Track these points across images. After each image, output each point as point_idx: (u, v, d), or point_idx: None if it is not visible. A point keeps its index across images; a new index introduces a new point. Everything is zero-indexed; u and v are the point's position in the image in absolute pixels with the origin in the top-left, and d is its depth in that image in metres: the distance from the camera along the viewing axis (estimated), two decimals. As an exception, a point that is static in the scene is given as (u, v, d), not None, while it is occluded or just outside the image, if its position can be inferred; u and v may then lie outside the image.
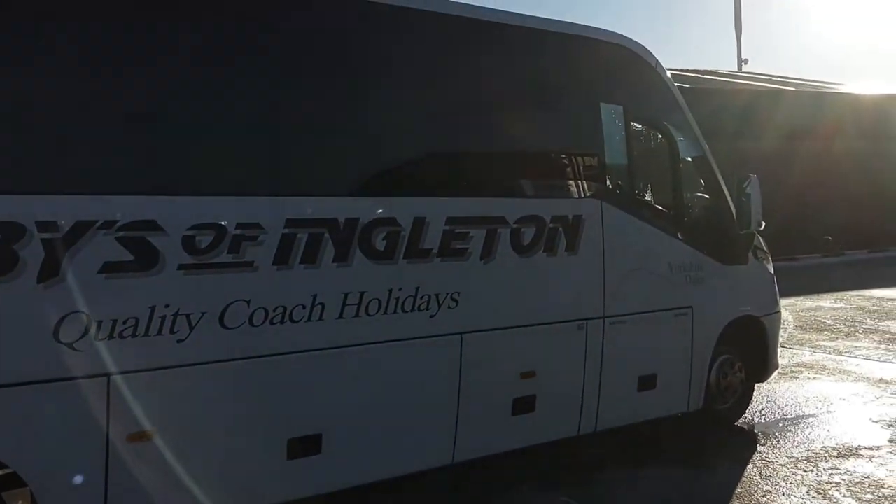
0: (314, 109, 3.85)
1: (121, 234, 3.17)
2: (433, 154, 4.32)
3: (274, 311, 3.53)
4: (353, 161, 4.00)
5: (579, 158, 4.82)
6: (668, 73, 5.46)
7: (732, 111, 14.46)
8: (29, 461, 3.04)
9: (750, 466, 4.95)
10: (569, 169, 4.82)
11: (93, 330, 3.10)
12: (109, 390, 3.15)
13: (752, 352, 5.71)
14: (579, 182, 4.77)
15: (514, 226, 4.32)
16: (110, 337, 3.14)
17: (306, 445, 3.66)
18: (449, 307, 4.07)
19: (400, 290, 3.91)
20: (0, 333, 2.96)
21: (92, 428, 3.13)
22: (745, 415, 5.87)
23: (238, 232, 3.43)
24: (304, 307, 3.62)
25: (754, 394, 5.96)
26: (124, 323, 3.17)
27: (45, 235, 3.02)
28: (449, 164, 4.37)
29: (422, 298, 3.98)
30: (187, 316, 3.31)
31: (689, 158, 5.44)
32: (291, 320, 3.58)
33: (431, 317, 4.02)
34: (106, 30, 3.33)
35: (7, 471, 3.09)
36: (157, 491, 3.29)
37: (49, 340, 3.03)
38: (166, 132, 3.44)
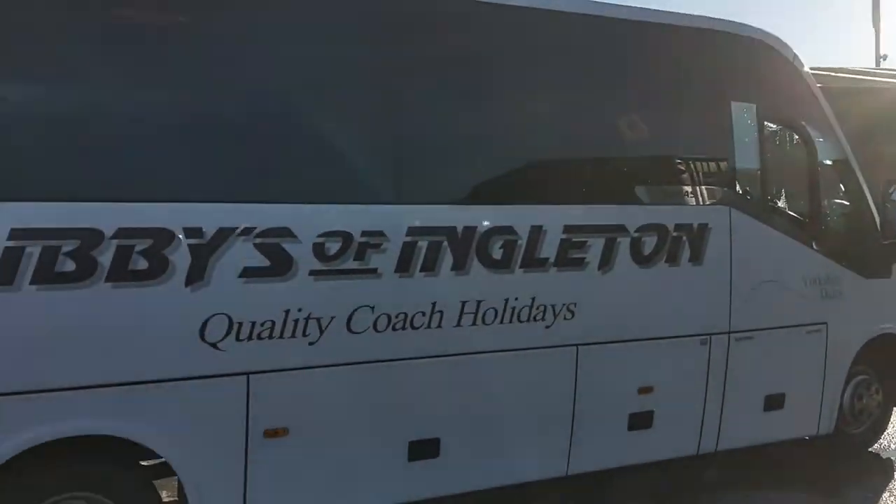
0: (434, 119, 4.12)
1: (258, 240, 3.56)
2: (551, 160, 4.50)
3: (396, 317, 3.85)
4: (470, 169, 4.24)
5: (707, 162, 4.86)
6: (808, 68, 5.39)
7: (869, 111, 13.59)
8: (178, 452, 3.49)
9: (886, 495, 4.90)
10: (695, 173, 4.84)
11: (234, 331, 3.52)
12: (249, 388, 3.57)
13: (892, 373, 5.58)
14: (706, 187, 4.81)
15: (635, 235, 4.43)
16: (249, 338, 3.55)
17: (426, 448, 3.98)
18: (565, 318, 4.26)
19: (516, 299, 4.14)
20: (153, 333, 3.42)
21: (233, 423, 3.56)
22: (881, 440, 5.76)
23: (363, 239, 3.76)
24: (423, 314, 3.92)
25: (892, 418, 5.83)
26: (262, 325, 3.57)
27: (192, 241, 3.45)
28: (567, 170, 4.54)
29: (538, 308, 4.19)
30: (318, 320, 3.68)
31: (829, 161, 5.35)
32: (412, 327, 3.89)
33: (547, 327, 4.23)
34: (245, 48, 3.73)
35: (159, 460, 3.57)
36: (291, 484, 3.69)
37: (195, 340, 3.47)
38: (298, 143, 3.81)
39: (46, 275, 3.19)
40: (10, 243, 3.14)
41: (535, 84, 4.40)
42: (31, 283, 3.17)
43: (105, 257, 3.28)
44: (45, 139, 3.36)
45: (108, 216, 3.31)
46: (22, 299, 3.17)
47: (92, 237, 3.27)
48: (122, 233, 3.31)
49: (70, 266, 3.23)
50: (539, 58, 4.41)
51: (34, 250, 3.17)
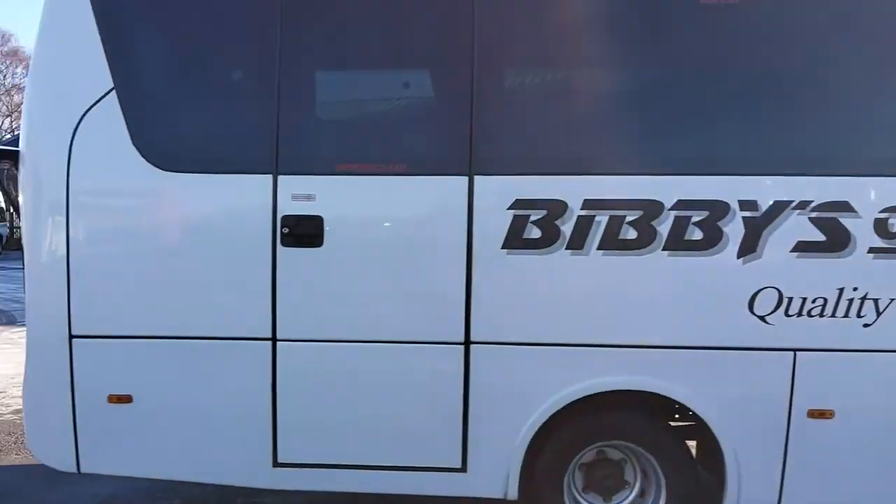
0: None
1: (814, 214, 3.65)
2: None
3: (976, 305, 3.62)
4: None
5: None
6: None
7: None
8: (719, 418, 3.81)
9: None
10: None
11: (784, 305, 3.70)
12: (795, 365, 3.72)
13: None
14: None
15: None
16: (799, 314, 3.69)
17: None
18: None
19: None
20: (703, 301, 3.74)
21: (776, 397, 3.75)
22: None
23: (937, 216, 3.60)
24: None
25: None
26: (813, 302, 3.68)
27: (746, 214, 3.68)
28: None
29: None
30: (875, 301, 3.66)
31: None
32: None
33: None
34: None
35: (685, 424, 3.96)
36: (833, 471, 3.78)
37: (744, 311, 3.72)
38: (854, 112, 3.76)
39: (611, 241, 3.73)
40: (583, 212, 3.73)
41: None
42: (598, 248, 3.74)
43: (664, 227, 3.70)
44: (600, 123, 3.85)
45: (668, 189, 3.71)
46: (589, 262, 3.75)
47: (653, 208, 3.71)
48: (680, 204, 3.70)
49: (632, 234, 3.72)
50: None
51: (602, 219, 3.73)
